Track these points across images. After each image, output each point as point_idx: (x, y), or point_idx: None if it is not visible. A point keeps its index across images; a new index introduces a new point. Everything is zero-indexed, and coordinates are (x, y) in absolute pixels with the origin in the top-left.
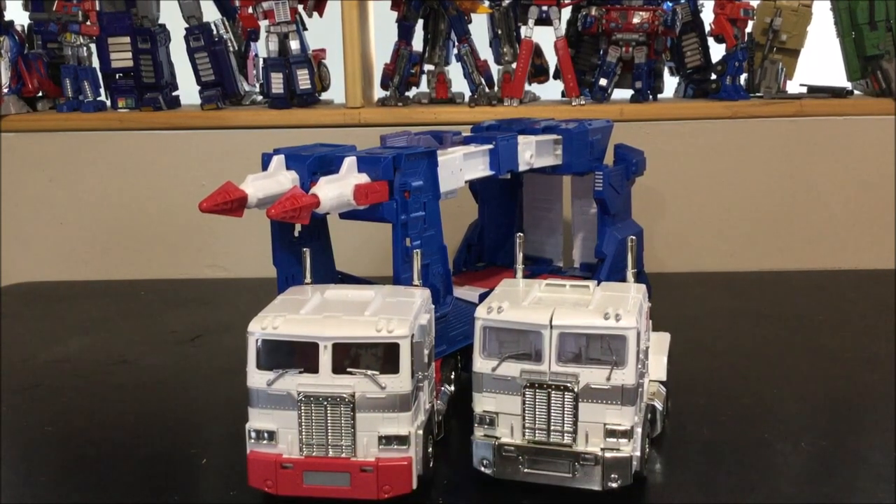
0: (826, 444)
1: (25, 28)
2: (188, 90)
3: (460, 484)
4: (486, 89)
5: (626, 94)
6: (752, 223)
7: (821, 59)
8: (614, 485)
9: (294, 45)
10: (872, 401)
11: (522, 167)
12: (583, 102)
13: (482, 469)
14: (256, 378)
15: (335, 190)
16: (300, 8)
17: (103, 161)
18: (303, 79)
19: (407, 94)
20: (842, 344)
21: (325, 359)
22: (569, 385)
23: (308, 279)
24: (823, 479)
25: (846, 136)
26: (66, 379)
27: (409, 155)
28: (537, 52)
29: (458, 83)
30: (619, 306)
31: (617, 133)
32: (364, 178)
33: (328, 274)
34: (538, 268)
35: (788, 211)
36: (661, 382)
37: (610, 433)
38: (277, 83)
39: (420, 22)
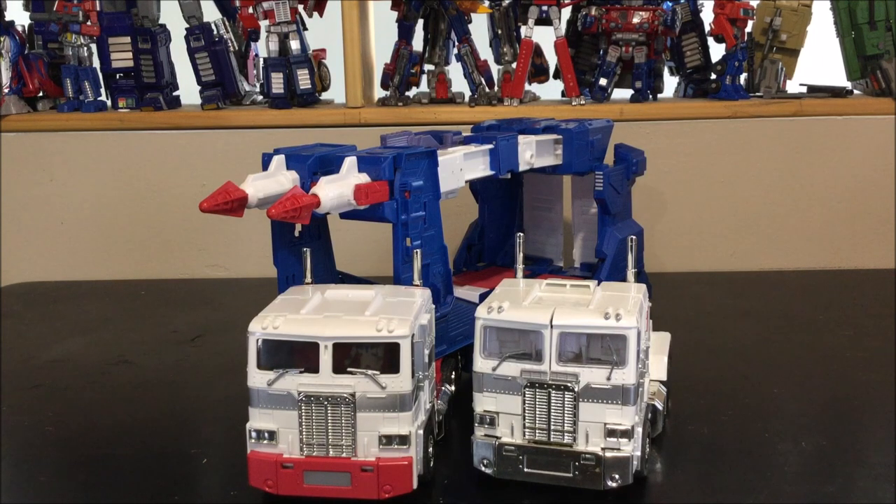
0: (826, 444)
1: (26, 28)
2: (188, 90)
3: (461, 484)
4: (486, 89)
5: (626, 94)
6: (752, 223)
7: (821, 59)
8: (614, 484)
9: (294, 45)
10: (872, 401)
11: (523, 167)
12: (583, 102)
13: (482, 469)
14: (257, 378)
15: (335, 190)
16: (300, 8)
17: (103, 161)
18: (303, 79)
19: (407, 93)
20: (842, 344)
21: (326, 358)
22: (569, 385)
23: (308, 279)
24: (823, 479)
25: (846, 136)
26: (66, 379)
27: (410, 155)
28: (537, 51)
29: (458, 83)
30: (620, 306)
31: (617, 133)
32: (364, 178)
33: (328, 274)
34: (538, 267)
35: (788, 211)
36: (662, 382)
37: (610, 433)
38: (278, 83)
39: (420, 22)
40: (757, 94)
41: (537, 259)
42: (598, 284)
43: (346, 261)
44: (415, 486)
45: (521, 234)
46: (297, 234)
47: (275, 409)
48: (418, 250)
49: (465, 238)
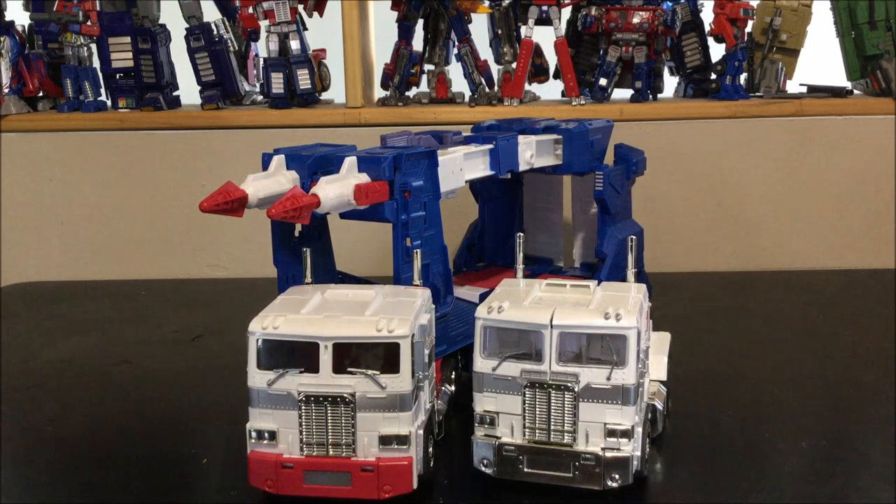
0: (826, 444)
1: (26, 28)
2: (188, 90)
3: (460, 484)
4: (487, 89)
5: (626, 94)
6: (752, 223)
7: (821, 59)
8: (614, 484)
9: (294, 44)
10: (872, 401)
11: (523, 167)
12: (583, 102)
13: (482, 469)
14: (257, 378)
15: (335, 190)
16: (300, 8)
17: (103, 161)
18: (303, 79)
19: (407, 93)
20: (842, 344)
21: (326, 358)
22: (569, 385)
23: (308, 279)
24: (823, 479)
25: (846, 136)
26: (66, 379)
27: (410, 155)
28: (537, 51)
29: (458, 83)
30: (620, 306)
31: (617, 133)
32: (364, 178)
33: (328, 274)
34: (538, 268)
35: (788, 211)
36: (662, 382)
37: (610, 433)
38: (278, 83)
39: (420, 22)
40: (757, 94)
41: (537, 259)
42: (598, 284)
43: (346, 261)
44: (415, 486)
45: (521, 234)
46: (297, 234)
47: (275, 409)
48: (418, 250)
49: (465, 238)
